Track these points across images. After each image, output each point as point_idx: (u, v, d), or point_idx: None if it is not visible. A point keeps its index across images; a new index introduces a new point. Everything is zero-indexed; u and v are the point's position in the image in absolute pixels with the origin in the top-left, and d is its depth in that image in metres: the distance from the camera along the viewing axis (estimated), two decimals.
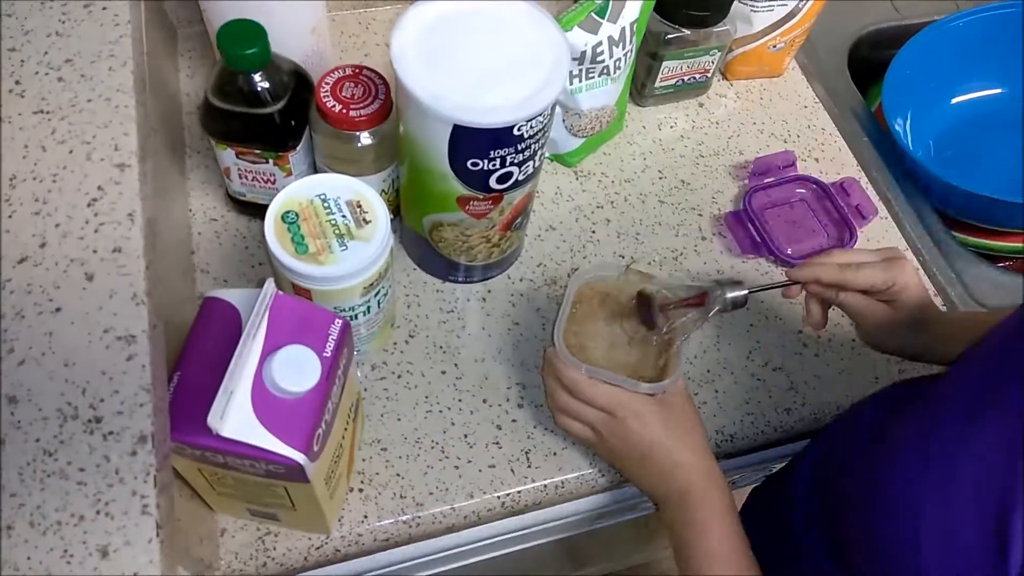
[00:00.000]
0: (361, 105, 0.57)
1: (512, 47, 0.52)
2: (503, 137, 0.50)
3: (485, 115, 0.49)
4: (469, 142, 0.51)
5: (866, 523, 0.43)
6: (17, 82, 0.47)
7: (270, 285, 0.43)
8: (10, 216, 0.43)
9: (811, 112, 0.83)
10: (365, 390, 0.61)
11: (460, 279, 0.66)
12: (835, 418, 0.60)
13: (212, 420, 0.38)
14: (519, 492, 0.58)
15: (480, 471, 0.58)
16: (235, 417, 0.40)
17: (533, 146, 0.53)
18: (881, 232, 0.76)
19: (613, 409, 0.53)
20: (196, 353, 0.44)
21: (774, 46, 0.80)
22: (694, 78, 0.79)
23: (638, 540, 1.11)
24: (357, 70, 0.59)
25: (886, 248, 0.57)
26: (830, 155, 0.81)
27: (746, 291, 0.54)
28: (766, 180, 0.75)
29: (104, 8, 0.51)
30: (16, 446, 0.36)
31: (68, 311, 0.40)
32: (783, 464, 0.67)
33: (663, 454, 0.52)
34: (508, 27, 0.52)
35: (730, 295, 0.54)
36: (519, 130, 0.50)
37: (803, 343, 0.68)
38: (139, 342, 0.40)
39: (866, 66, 0.91)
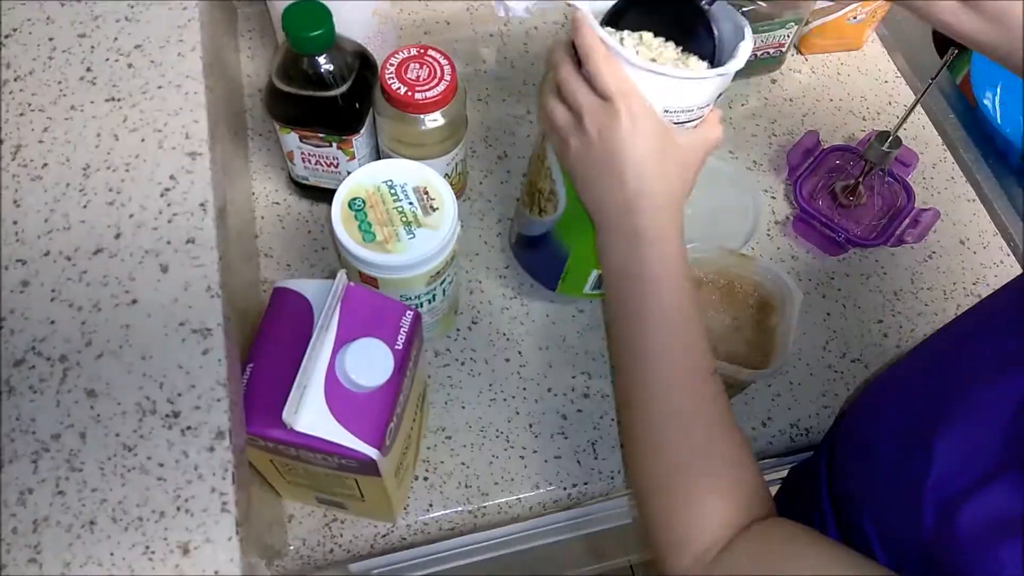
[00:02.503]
0: (427, 87, 0.55)
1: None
2: None
3: None
4: None
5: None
6: (88, 69, 0.47)
7: (342, 277, 0.42)
8: (85, 206, 0.42)
9: (892, 87, 0.79)
10: (429, 377, 0.60)
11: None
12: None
13: (287, 415, 0.38)
14: (586, 484, 0.57)
15: (546, 461, 0.57)
16: (309, 412, 0.40)
17: None
18: (969, 215, 0.72)
19: (613, 95, 0.43)
20: (268, 345, 0.43)
21: (855, 17, 0.75)
22: (767, 53, 0.75)
23: None
24: (422, 51, 0.57)
25: None
26: (912, 133, 0.76)
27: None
28: (805, 166, 0.71)
29: None
30: (97, 440, 0.36)
31: (144, 303, 0.40)
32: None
33: (634, 176, 0.44)
34: None
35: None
36: None
37: (883, 333, 0.65)
38: (214, 335, 0.39)
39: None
